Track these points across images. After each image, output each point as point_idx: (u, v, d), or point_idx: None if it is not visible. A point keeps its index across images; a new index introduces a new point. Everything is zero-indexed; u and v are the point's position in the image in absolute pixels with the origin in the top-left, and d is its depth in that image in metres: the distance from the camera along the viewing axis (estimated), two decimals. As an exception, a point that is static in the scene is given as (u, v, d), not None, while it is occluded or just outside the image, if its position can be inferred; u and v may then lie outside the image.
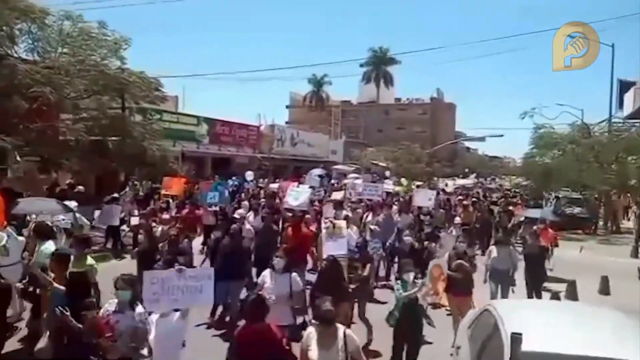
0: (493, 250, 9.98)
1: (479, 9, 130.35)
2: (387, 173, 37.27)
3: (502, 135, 63.22)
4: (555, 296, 10.19)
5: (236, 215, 11.52)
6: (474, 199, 22.77)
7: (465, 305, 8.10)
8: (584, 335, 4.36)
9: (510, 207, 20.83)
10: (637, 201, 27.13)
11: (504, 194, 32.52)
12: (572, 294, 10.93)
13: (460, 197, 23.93)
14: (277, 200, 16.24)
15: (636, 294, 7.48)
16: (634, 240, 18.86)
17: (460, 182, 45.61)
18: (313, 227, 11.65)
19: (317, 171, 27.88)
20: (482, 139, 59.17)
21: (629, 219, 27.49)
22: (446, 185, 31.89)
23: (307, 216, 11.83)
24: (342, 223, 9.35)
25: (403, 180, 33.03)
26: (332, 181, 30.55)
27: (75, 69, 17.03)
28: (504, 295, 9.13)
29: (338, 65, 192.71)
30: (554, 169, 25.20)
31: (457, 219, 14.75)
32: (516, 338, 3.37)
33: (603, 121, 27.25)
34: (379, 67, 68.41)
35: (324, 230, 9.33)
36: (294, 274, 7.22)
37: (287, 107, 68.17)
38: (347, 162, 47.17)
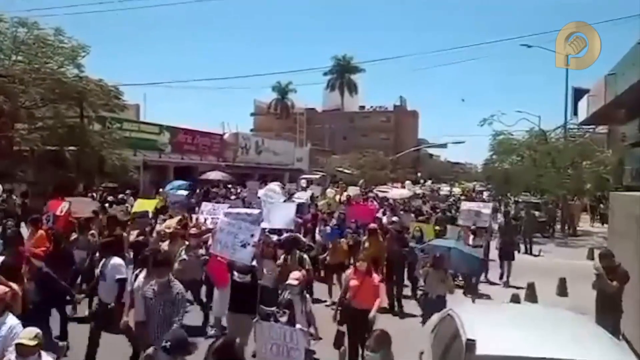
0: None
1: (439, 19, 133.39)
2: (303, 182, 27.35)
3: (463, 142, 64.50)
4: (515, 299, 10.45)
5: None
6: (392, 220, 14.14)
7: None
8: (541, 337, 4.45)
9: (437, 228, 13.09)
10: (592, 204, 28.17)
11: (434, 208, 22.31)
12: (532, 296, 11.29)
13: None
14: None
15: (592, 295, 7.71)
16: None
17: (397, 192, 28.29)
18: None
19: (178, 182, 19.78)
20: (443, 145, 60.58)
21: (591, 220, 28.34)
22: (385, 201, 22.21)
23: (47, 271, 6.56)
24: None
25: (329, 191, 22.79)
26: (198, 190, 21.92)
27: (31, 77, 16.61)
28: None
29: (302, 74, 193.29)
30: (513, 174, 25.79)
31: (296, 274, 6.16)
32: (470, 344, 3.41)
33: (559, 127, 28.21)
34: (342, 75, 68.87)
35: None
36: None
37: (251, 114, 67.81)
38: (313, 169, 47.18)
